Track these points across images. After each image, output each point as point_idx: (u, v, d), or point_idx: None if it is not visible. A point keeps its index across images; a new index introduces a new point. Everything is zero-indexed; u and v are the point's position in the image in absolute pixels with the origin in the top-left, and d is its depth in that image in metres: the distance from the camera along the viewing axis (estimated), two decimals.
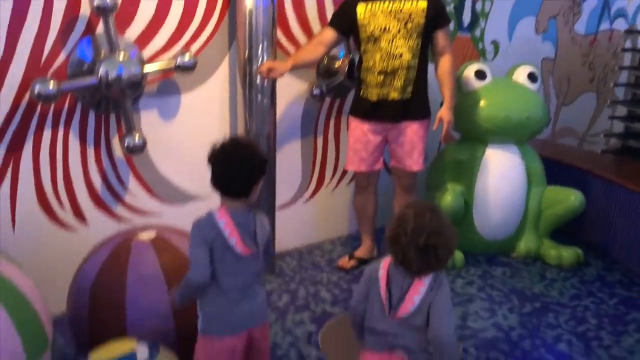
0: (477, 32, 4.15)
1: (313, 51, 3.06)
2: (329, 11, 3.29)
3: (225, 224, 1.77)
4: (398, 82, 2.97)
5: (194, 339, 1.88)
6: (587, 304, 2.98)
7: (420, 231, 1.61)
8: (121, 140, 2.76)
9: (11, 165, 2.51)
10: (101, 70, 2.53)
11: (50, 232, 2.66)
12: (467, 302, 2.98)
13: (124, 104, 2.67)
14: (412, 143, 3.07)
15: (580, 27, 4.84)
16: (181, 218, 2.42)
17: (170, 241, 2.22)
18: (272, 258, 3.18)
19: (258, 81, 2.92)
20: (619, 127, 4.84)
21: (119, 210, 2.86)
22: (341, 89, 3.47)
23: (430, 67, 3.10)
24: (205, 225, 1.78)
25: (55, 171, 2.63)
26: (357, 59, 3.15)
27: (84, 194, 2.74)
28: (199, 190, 3.05)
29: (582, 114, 5.18)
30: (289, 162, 3.41)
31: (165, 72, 2.81)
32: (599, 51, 5.07)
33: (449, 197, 3.25)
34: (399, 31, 2.91)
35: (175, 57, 2.76)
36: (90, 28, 2.57)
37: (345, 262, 3.35)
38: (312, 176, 3.59)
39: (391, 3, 2.91)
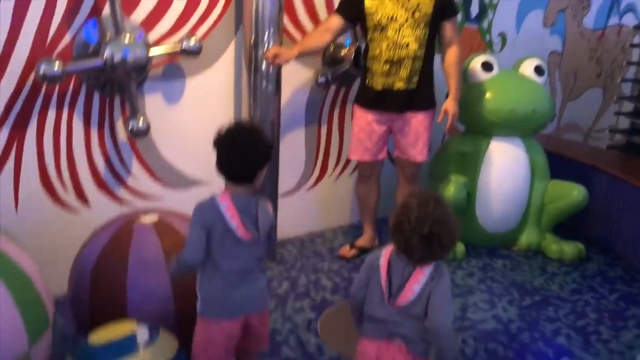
0: (485, 24, 4.12)
1: (319, 38, 3.05)
2: None
3: (227, 208, 1.78)
4: (404, 72, 2.95)
5: (194, 322, 1.89)
6: (587, 299, 2.98)
7: (424, 220, 1.61)
8: (125, 124, 2.76)
9: (15, 146, 2.51)
10: (106, 53, 2.53)
11: (52, 213, 2.67)
12: (467, 293, 2.98)
13: (129, 87, 2.66)
14: (416, 134, 3.07)
15: (588, 21, 4.80)
16: (183, 202, 2.42)
17: (172, 225, 2.22)
18: (273, 245, 3.18)
19: (264, 67, 2.91)
20: (624, 123, 4.81)
21: (122, 193, 2.86)
22: (347, 78, 3.45)
23: (437, 57, 3.09)
24: (207, 208, 1.79)
25: (59, 152, 2.63)
26: (363, 47, 3.13)
27: (86, 176, 2.74)
28: (202, 175, 3.05)
29: (588, 110, 5.15)
30: (292, 150, 3.40)
31: (171, 56, 2.80)
32: (607, 46, 5.03)
33: (452, 189, 3.24)
34: (406, 20, 2.89)
35: (181, 41, 2.75)
36: (96, 10, 2.56)
37: (346, 251, 3.36)
38: (315, 164, 3.58)
39: None
